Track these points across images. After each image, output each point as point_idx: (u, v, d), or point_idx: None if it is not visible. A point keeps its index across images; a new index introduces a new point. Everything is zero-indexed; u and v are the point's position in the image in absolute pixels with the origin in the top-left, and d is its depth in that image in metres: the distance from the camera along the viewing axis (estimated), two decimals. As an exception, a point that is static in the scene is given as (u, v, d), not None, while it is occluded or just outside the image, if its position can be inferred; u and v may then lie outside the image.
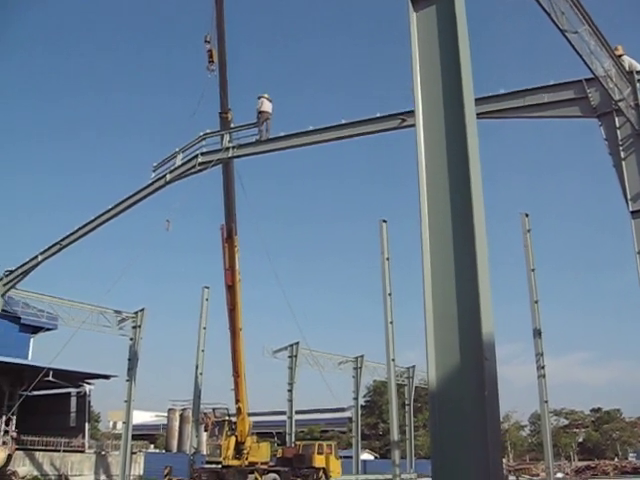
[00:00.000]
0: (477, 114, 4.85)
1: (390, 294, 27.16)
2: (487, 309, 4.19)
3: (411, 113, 17.56)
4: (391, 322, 27.19)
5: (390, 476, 29.97)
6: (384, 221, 28.10)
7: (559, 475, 46.36)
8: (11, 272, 31.31)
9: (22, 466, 37.11)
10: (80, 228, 28.27)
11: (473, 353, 4.20)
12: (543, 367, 25.52)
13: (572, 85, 15.40)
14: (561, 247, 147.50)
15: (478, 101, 5.15)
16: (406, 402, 55.16)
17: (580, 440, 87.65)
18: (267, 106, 23.53)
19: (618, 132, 13.73)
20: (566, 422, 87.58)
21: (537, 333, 25.85)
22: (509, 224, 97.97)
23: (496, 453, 4.07)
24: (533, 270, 26.25)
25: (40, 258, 29.73)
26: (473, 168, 4.48)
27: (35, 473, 39.20)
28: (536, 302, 26.01)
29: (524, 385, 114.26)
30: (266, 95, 23.93)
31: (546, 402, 25.43)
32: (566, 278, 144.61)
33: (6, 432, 39.64)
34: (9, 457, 14.75)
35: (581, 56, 12.81)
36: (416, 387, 58.14)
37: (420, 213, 4.68)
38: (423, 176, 4.76)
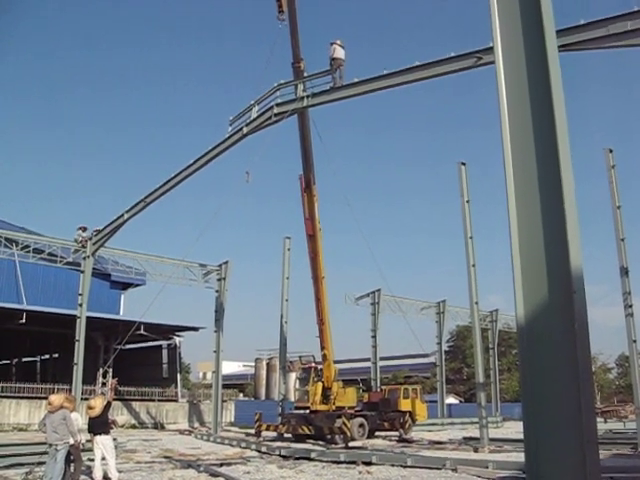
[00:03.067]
0: (558, 47, 4.78)
1: (471, 237, 26.88)
2: (575, 241, 4.17)
3: (486, 51, 17.27)
4: (473, 265, 26.95)
5: (476, 419, 30.09)
6: (463, 163, 27.66)
7: (649, 416, 45.57)
8: (99, 231, 32.36)
9: (120, 415, 38.96)
10: (162, 185, 28.84)
11: (561, 286, 4.18)
12: (631, 306, 24.92)
13: (658, 10, 14.73)
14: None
15: (558, 33, 5.09)
16: (490, 346, 54.82)
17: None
18: (340, 52, 23.19)
19: None
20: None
21: (624, 271, 25.23)
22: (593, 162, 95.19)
23: (587, 387, 4.08)
24: (619, 207, 25.51)
25: (126, 216, 30.56)
26: (557, 103, 4.42)
27: (133, 422, 41.09)
28: (622, 240, 25.32)
29: (610, 328, 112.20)
30: (338, 41, 23.50)
31: (634, 342, 24.86)
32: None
33: (103, 384, 41.62)
34: (108, 405, 15.47)
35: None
36: (499, 331, 57.70)
37: (503, 150, 4.65)
38: (505, 112, 4.73)
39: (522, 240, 4.37)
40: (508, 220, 4.45)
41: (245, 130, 25.14)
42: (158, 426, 41.84)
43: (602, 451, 22.07)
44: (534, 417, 4.18)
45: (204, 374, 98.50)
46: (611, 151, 26.16)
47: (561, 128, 4.36)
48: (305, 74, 24.85)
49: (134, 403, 42.20)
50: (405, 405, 34.55)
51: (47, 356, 58.65)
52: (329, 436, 30.00)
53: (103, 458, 14.96)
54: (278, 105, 24.36)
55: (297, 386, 35.43)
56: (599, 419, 40.29)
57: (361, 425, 31.42)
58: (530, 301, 4.32)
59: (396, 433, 33.45)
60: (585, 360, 4.11)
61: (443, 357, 53.16)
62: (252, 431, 33.49)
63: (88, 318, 32.42)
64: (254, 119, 24.95)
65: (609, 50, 16.47)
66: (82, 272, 32.51)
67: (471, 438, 29.36)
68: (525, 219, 4.37)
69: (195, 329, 49.22)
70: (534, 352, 4.25)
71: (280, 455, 22.69)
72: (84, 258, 32.69)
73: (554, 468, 4.03)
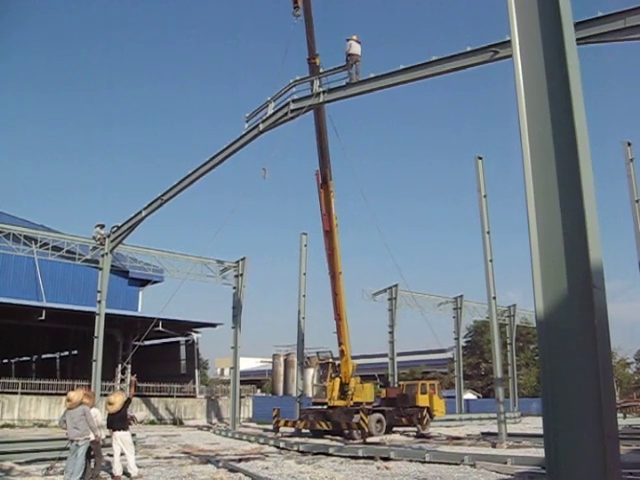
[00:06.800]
0: (576, 40, 4.74)
1: (488, 232, 26.74)
2: (594, 235, 4.13)
3: (503, 44, 17.16)
4: (491, 260, 26.81)
5: (494, 415, 29.97)
6: (479, 158, 27.49)
7: (669, 411, 45.27)
8: (118, 228, 32.49)
9: (139, 411, 39.15)
10: (179, 182, 28.87)
11: (581, 281, 4.14)
12: (651, 301, 24.80)
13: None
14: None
15: (575, 26, 4.96)
16: (508, 341, 54.53)
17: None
18: (356, 48, 23.07)
19: None
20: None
21: (643, 266, 25.00)
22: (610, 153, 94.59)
23: (608, 382, 4.04)
24: (637, 201, 25.28)
25: (144, 213, 30.61)
26: (575, 96, 4.39)
27: (152, 418, 41.31)
28: (641, 234, 25.10)
29: (629, 323, 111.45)
30: (355, 37, 23.37)
31: (655, 336, 24.71)
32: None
33: (122, 380, 41.89)
34: (128, 401, 15.61)
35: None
36: (517, 326, 57.37)
37: (521, 144, 4.62)
38: (523, 106, 4.70)
39: (541, 235, 4.34)
40: (527, 215, 4.42)
41: (261, 127, 25.12)
42: (176, 422, 42.03)
43: (622, 447, 21.91)
44: (554, 412, 4.16)
45: (222, 370, 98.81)
46: (629, 144, 25.94)
47: (580, 122, 4.33)
48: (321, 70, 24.79)
49: (152, 399, 42.42)
50: (423, 400, 34.48)
51: (66, 353, 59.12)
52: (347, 432, 29.98)
53: (122, 454, 15.10)
54: (294, 101, 24.31)
55: (315, 382, 35.49)
56: (618, 414, 40.00)
57: (379, 421, 31.41)
58: (549, 296, 4.29)
59: (414, 429, 33.33)
60: (605, 355, 4.08)
61: (461, 352, 52.97)
62: (270, 427, 33.54)
63: (107, 315, 32.57)
64: (270, 116, 24.92)
65: (628, 42, 16.33)
66: (100, 269, 32.66)
67: (489, 433, 29.24)
68: (544, 213, 4.35)
69: (213, 325, 49.37)
70: (554, 347, 4.22)
71: (298, 451, 22.75)
72: (102, 255, 32.84)
73: (574, 463, 4.01)
